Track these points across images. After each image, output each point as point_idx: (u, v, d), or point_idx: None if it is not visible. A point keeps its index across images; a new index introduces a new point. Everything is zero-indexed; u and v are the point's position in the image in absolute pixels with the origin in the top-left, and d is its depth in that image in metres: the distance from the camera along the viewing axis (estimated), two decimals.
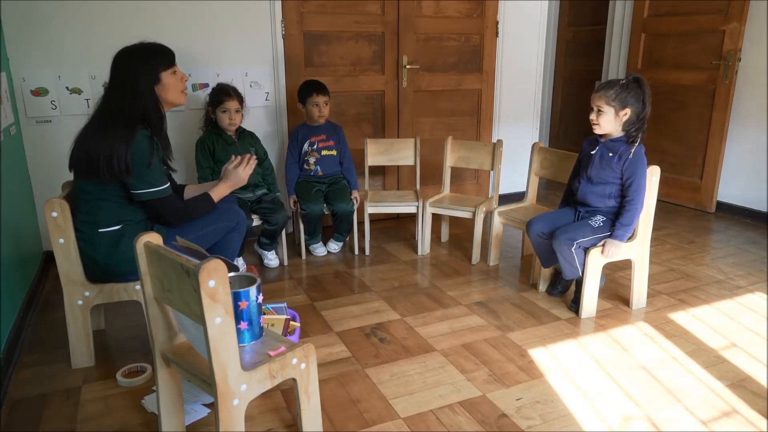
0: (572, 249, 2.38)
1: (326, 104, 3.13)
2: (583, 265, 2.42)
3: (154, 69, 2.01)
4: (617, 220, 2.38)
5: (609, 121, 2.35)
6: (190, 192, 2.36)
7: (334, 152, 3.24)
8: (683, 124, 4.12)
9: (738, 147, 3.86)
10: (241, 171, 2.25)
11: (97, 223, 1.97)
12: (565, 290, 2.67)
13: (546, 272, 2.70)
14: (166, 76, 2.03)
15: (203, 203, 2.18)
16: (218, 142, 2.88)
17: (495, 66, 4.00)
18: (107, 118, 1.96)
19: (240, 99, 2.89)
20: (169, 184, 2.03)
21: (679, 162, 4.19)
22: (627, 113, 2.32)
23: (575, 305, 2.50)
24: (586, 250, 2.39)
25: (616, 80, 2.36)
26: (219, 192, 2.24)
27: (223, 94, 2.84)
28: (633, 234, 2.45)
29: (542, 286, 2.73)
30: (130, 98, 1.96)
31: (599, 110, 2.34)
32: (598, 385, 1.96)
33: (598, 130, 2.39)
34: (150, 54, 2.02)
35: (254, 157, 2.32)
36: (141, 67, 1.98)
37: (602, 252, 2.38)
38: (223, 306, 1.29)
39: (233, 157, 2.30)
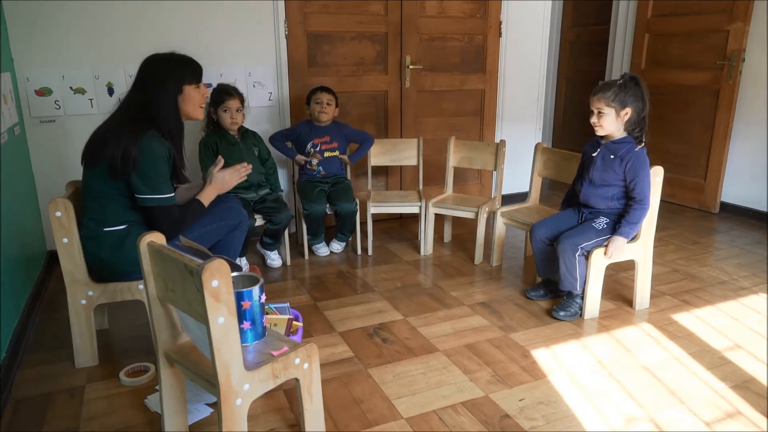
0: (576, 255, 2.37)
1: (328, 104, 3.13)
2: (584, 278, 2.41)
3: (180, 80, 2.04)
4: (624, 218, 2.36)
5: (611, 122, 2.34)
6: (178, 194, 2.35)
7: (337, 153, 3.24)
8: (687, 124, 4.11)
9: (742, 147, 3.84)
10: (227, 176, 2.24)
11: (104, 221, 1.98)
12: (546, 296, 2.63)
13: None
14: (189, 89, 2.07)
15: (195, 210, 2.16)
16: (221, 142, 2.88)
17: (498, 66, 4.00)
18: (125, 117, 1.99)
19: (241, 98, 2.90)
20: (174, 193, 2.03)
21: (682, 162, 4.18)
22: (628, 113, 2.31)
23: (560, 312, 2.44)
24: (587, 256, 2.38)
25: (613, 81, 2.34)
26: (206, 196, 2.21)
27: (224, 93, 2.85)
28: (636, 234, 2.45)
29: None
30: (150, 102, 1.99)
31: (600, 112, 2.33)
32: (601, 385, 1.96)
33: (600, 132, 2.38)
34: (179, 64, 2.06)
35: (249, 166, 2.33)
36: (168, 74, 2.02)
37: (605, 252, 2.38)
38: (226, 306, 1.29)
39: (219, 158, 2.30)
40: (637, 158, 2.33)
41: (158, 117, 2.00)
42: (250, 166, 2.34)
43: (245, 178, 2.33)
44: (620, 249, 2.38)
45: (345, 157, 3.27)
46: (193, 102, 2.10)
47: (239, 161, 2.90)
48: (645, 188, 2.33)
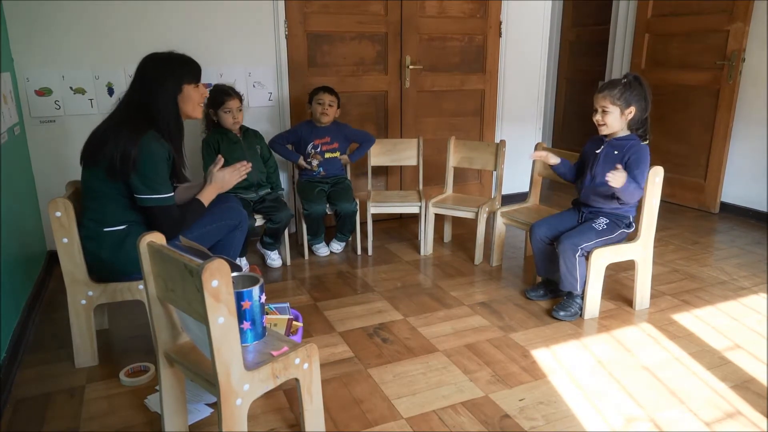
0: (576, 256, 2.37)
1: (330, 105, 3.12)
2: (584, 278, 2.40)
3: (180, 79, 2.04)
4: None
5: (615, 120, 2.34)
6: (178, 194, 2.35)
7: (337, 154, 3.24)
8: (687, 124, 4.11)
9: (742, 147, 3.84)
10: (227, 174, 2.23)
11: (104, 221, 1.98)
12: (546, 296, 2.63)
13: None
14: (188, 89, 2.06)
15: (195, 210, 2.15)
16: (223, 141, 2.89)
17: (498, 66, 4.00)
18: (124, 116, 1.98)
19: (239, 97, 2.91)
20: (173, 193, 2.03)
21: (683, 162, 4.18)
22: (632, 111, 2.33)
23: (560, 312, 2.43)
24: (587, 256, 2.38)
25: (617, 80, 2.36)
26: (206, 196, 2.20)
27: (223, 94, 2.86)
28: (636, 234, 2.45)
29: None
30: (150, 102, 1.99)
31: (604, 110, 2.34)
32: (601, 385, 1.96)
33: (605, 131, 2.39)
34: (178, 64, 2.06)
35: (249, 165, 2.31)
36: (167, 74, 2.02)
37: (609, 174, 2.24)
38: (226, 306, 1.29)
39: (218, 157, 2.29)
40: (640, 151, 2.34)
41: (158, 117, 1.99)
42: (250, 165, 2.33)
43: (245, 176, 2.33)
44: (620, 178, 2.22)
45: (345, 157, 3.27)
46: (193, 101, 2.10)
47: (241, 159, 2.91)
48: (642, 179, 2.33)
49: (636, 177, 2.32)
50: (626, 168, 2.34)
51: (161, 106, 2.00)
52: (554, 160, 2.57)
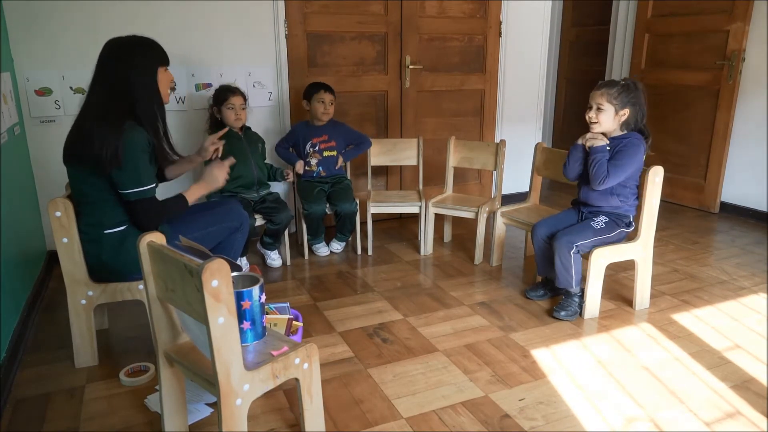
0: (571, 253, 2.36)
1: (332, 104, 3.13)
2: (580, 275, 2.40)
3: (154, 61, 2.00)
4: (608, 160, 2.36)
5: (608, 119, 2.34)
6: (170, 172, 2.34)
7: (335, 153, 3.24)
8: (687, 124, 4.11)
9: (742, 147, 3.84)
10: (217, 173, 2.21)
11: (102, 224, 1.97)
12: (546, 296, 2.63)
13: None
14: (160, 72, 2.03)
15: (177, 204, 2.10)
16: (225, 137, 2.88)
17: (498, 66, 4.00)
18: (102, 107, 1.92)
19: (244, 96, 2.92)
20: (155, 184, 1.99)
21: (683, 162, 4.18)
22: (626, 114, 2.33)
23: (560, 312, 2.43)
24: (586, 254, 2.38)
25: (617, 81, 2.36)
26: (194, 193, 2.16)
27: (228, 91, 2.89)
28: (636, 234, 2.45)
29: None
30: (127, 88, 1.93)
31: (599, 108, 2.34)
32: (601, 385, 1.96)
33: (597, 129, 2.38)
34: (150, 48, 2.01)
35: (231, 159, 2.32)
36: (143, 57, 1.97)
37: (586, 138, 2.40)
38: (226, 306, 1.29)
39: (212, 145, 2.27)
40: (628, 145, 2.33)
41: (138, 103, 1.94)
42: (231, 159, 2.33)
43: (228, 177, 2.31)
44: (596, 140, 2.38)
45: (340, 158, 3.26)
46: (164, 85, 2.05)
47: (243, 156, 2.91)
48: (619, 173, 2.32)
49: (611, 167, 2.33)
50: (611, 157, 2.36)
51: (141, 91, 1.95)
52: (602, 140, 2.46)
